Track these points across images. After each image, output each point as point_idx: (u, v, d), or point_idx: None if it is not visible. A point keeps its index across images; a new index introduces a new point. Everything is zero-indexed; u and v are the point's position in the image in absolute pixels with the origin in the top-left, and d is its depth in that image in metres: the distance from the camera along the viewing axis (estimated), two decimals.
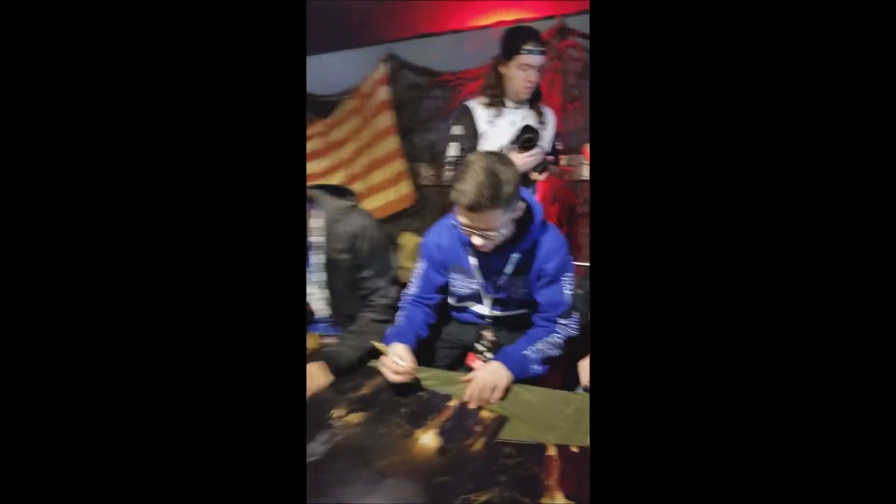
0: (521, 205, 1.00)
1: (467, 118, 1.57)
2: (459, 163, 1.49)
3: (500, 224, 0.95)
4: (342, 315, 1.23)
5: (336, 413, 0.93)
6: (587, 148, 1.83)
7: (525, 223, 1.04)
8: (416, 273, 1.19)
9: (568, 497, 0.70)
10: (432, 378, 1.03)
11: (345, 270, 1.18)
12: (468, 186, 0.92)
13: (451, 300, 1.23)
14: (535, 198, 1.40)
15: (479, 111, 1.56)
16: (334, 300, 1.22)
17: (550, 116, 1.64)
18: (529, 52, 1.45)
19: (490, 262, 1.09)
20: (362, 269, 1.19)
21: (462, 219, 0.97)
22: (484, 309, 1.18)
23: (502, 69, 1.51)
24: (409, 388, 0.97)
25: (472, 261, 1.10)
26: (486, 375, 0.96)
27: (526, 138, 1.41)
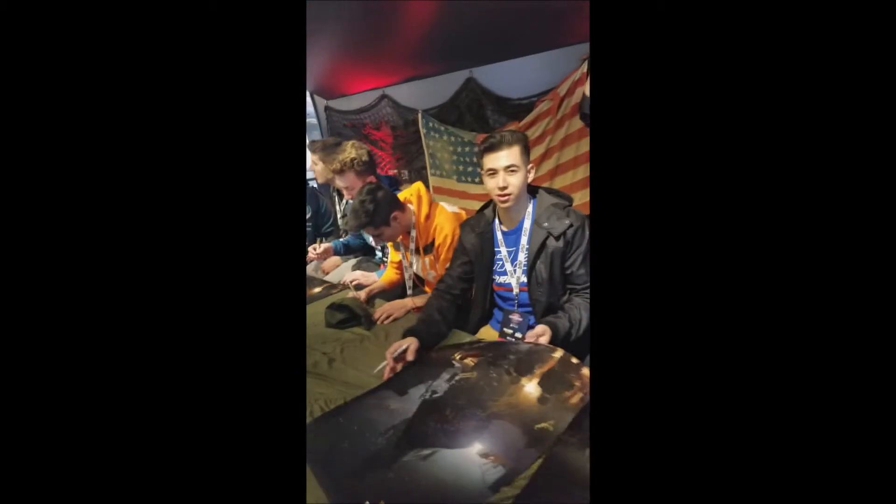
0: None
1: None
2: None
3: None
4: (540, 301, 1.27)
5: (457, 355, 1.06)
6: None
7: None
8: None
9: None
10: None
11: (554, 256, 1.23)
12: None
13: None
14: None
15: None
16: (536, 284, 1.27)
17: None
18: None
19: None
20: (571, 262, 1.23)
21: None
22: None
23: None
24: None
25: None
26: None
27: None
